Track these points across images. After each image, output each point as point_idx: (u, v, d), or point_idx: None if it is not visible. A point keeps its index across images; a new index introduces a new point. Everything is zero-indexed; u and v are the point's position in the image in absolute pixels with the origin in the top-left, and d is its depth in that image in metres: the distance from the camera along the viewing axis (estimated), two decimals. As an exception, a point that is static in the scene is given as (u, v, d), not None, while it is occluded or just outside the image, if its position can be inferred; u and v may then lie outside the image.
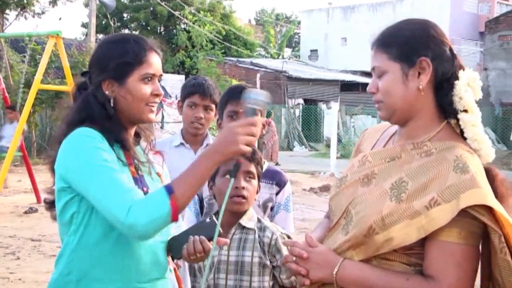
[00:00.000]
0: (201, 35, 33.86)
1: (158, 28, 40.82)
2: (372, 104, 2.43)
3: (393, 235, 2.04)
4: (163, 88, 3.01)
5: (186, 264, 3.25)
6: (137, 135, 2.54)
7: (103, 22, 37.71)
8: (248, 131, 2.19)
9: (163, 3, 36.12)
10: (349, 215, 2.20)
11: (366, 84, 2.12)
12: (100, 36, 35.91)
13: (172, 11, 35.75)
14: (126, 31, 40.32)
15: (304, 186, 16.82)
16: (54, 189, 2.44)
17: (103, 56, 2.42)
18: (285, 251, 2.67)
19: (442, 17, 41.82)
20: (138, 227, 2.13)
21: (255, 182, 2.92)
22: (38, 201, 12.55)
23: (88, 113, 2.36)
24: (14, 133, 12.03)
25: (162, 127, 20.14)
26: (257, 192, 2.96)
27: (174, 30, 39.52)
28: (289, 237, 2.94)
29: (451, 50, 2.19)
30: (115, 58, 2.37)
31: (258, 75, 33.17)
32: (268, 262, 2.83)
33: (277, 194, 3.28)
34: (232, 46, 39.21)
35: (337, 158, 20.78)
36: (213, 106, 3.84)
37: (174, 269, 2.69)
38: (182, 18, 36.21)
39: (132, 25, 41.07)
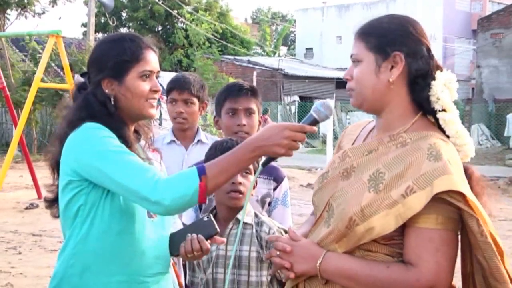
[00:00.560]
0: (198, 33, 34.02)
1: (156, 27, 40.67)
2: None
3: (373, 225, 2.06)
4: (160, 85, 3.25)
5: (181, 261, 3.36)
6: (136, 132, 2.56)
7: (102, 21, 37.66)
8: (296, 137, 2.17)
9: (160, 2, 36.17)
10: (330, 209, 2.22)
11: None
12: (99, 35, 36.01)
13: (170, 10, 35.86)
14: (125, 30, 40.23)
15: (301, 182, 16.98)
16: (54, 186, 2.48)
17: (101, 56, 2.44)
18: None
19: (435, 16, 41.99)
20: (164, 201, 2.13)
21: (251, 177, 2.92)
22: (39, 197, 12.66)
23: (89, 111, 2.38)
24: (16, 130, 12.18)
25: (160, 124, 20.26)
26: (253, 188, 2.97)
27: (172, 29, 39.53)
28: (286, 232, 2.82)
29: (428, 49, 2.22)
30: (113, 57, 2.39)
31: (255, 73, 33.27)
32: (264, 257, 2.84)
33: (274, 189, 3.29)
34: (229, 45, 39.29)
35: (333, 154, 20.67)
36: (194, 99, 3.88)
37: (173, 265, 2.72)
38: (179, 17, 36.31)
39: (131, 24, 40.91)
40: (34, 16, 25.46)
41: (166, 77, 6.27)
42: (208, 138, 3.98)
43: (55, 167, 2.45)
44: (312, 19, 52.67)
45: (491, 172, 16.95)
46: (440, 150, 2.07)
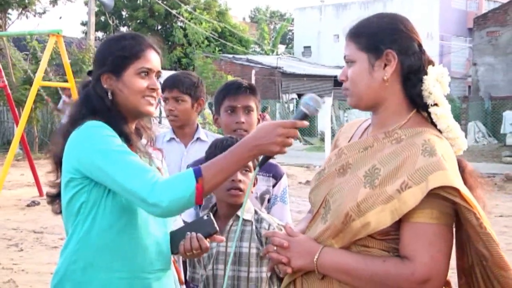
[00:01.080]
0: (197, 32, 34.08)
1: (156, 26, 40.75)
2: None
3: (369, 220, 2.06)
4: (160, 84, 3.33)
5: (181, 257, 3.32)
6: (138, 131, 2.56)
7: (102, 20, 37.72)
8: (290, 133, 2.20)
9: (160, 2, 36.19)
10: (327, 205, 2.23)
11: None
12: (100, 34, 36.09)
13: (170, 10, 35.94)
14: (125, 29, 40.27)
15: (300, 179, 16.96)
16: (57, 182, 2.49)
17: (103, 52, 2.47)
18: None
19: (431, 14, 41.93)
20: (162, 203, 2.15)
21: (251, 175, 2.91)
22: (40, 194, 12.72)
23: (89, 106, 2.41)
24: (17, 129, 12.19)
25: (160, 122, 20.35)
26: (254, 185, 2.97)
27: (171, 28, 39.44)
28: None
29: (419, 45, 2.23)
30: (113, 53, 2.42)
31: (253, 71, 33.39)
32: (262, 253, 2.81)
33: (273, 186, 3.28)
34: (228, 43, 39.30)
35: (330, 152, 20.57)
36: (185, 96, 3.86)
37: (173, 261, 2.70)
38: (179, 16, 36.42)
39: (130, 23, 41.01)
40: (35, 15, 25.59)
41: (165, 76, 6.26)
42: (208, 136, 3.97)
43: (58, 164, 2.45)
44: (310, 18, 52.67)
45: (488, 169, 16.98)
46: (435, 146, 2.08)
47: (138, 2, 40.38)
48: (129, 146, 2.36)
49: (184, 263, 3.36)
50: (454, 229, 2.14)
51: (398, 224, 2.08)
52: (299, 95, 35.03)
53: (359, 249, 2.15)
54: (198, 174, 2.17)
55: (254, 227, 2.89)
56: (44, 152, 20.62)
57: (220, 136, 3.89)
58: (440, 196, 2.03)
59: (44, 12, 25.77)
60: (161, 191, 2.15)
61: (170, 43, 39.01)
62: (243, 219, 2.87)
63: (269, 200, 3.27)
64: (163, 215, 2.26)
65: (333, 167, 2.30)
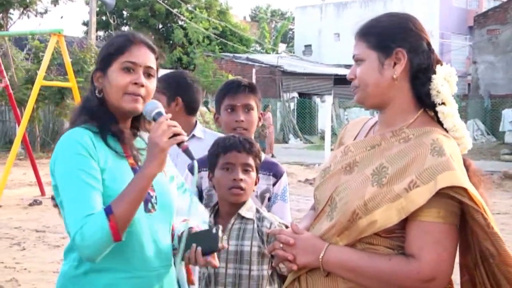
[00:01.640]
0: (197, 31, 34.08)
1: (157, 25, 40.73)
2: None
3: (376, 218, 2.07)
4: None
5: None
6: (137, 128, 2.54)
7: (103, 20, 37.71)
8: (161, 129, 2.25)
9: (161, 1, 36.20)
10: (333, 202, 2.23)
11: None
12: (101, 33, 36.07)
13: (170, 9, 35.93)
14: (126, 28, 40.25)
15: (300, 177, 17.05)
16: None
17: (99, 52, 2.53)
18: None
19: (432, 12, 41.79)
20: (82, 248, 2.19)
21: (253, 174, 2.92)
22: (42, 193, 12.88)
23: (85, 105, 2.43)
24: (19, 128, 12.18)
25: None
26: (255, 184, 2.98)
27: (172, 27, 39.48)
28: (286, 227, 2.86)
29: (428, 44, 2.24)
30: (103, 51, 2.44)
31: (254, 70, 33.32)
32: (266, 251, 2.78)
33: (274, 185, 3.27)
34: (228, 42, 39.28)
35: (331, 150, 19.89)
36: (161, 96, 3.63)
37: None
38: (179, 15, 36.41)
39: (131, 22, 41.01)
40: (36, 15, 25.58)
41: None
42: (206, 133, 3.89)
43: None
44: (311, 17, 52.56)
45: (486, 167, 17.00)
46: (443, 146, 2.09)
47: (139, 1, 40.35)
48: (123, 145, 2.40)
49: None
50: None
51: (403, 222, 2.09)
52: (300, 94, 35.06)
53: (364, 246, 2.16)
54: (109, 212, 2.17)
55: (255, 225, 2.89)
56: (46, 152, 20.80)
57: (218, 134, 3.85)
58: (447, 195, 2.04)
59: (45, 12, 25.79)
60: (83, 236, 2.16)
61: (170, 42, 39.02)
62: (245, 218, 2.90)
63: (269, 199, 3.27)
64: (86, 259, 2.25)
65: (339, 164, 2.31)
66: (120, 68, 2.37)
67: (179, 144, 2.30)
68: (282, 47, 53.21)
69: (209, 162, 2.97)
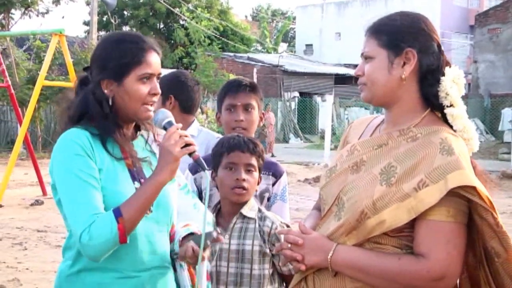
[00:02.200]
0: (198, 31, 34.05)
1: (158, 25, 40.71)
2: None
3: (384, 218, 2.07)
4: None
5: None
6: (138, 127, 2.55)
7: (104, 20, 37.59)
8: (174, 139, 2.28)
9: (161, 0, 36.20)
10: (340, 202, 2.22)
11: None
12: (102, 33, 36.03)
13: (171, 8, 35.91)
14: (126, 28, 40.10)
15: (299, 177, 17.01)
16: None
17: (103, 55, 2.41)
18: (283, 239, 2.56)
19: (433, 11, 41.68)
20: (88, 248, 2.20)
21: (256, 174, 2.93)
22: (44, 193, 12.86)
23: (86, 110, 2.38)
24: (21, 128, 12.20)
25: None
26: (258, 184, 2.99)
27: (173, 27, 39.30)
28: (288, 226, 2.95)
29: (439, 46, 2.24)
30: (114, 58, 2.36)
31: (255, 70, 33.36)
32: (268, 251, 2.85)
33: (273, 184, 3.26)
34: (230, 42, 39.27)
35: (331, 149, 20.72)
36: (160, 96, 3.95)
37: (189, 267, 2.65)
38: (180, 15, 36.42)
39: (132, 22, 40.89)
40: (37, 15, 25.61)
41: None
42: (201, 131, 3.93)
43: None
44: (312, 16, 52.51)
45: (484, 166, 16.11)
46: (452, 145, 2.09)
47: (140, 0, 40.33)
48: (121, 147, 2.40)
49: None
50: None
51: (412, 222, 2.09)
52: (301, 93, 35.06)
53: (372, 246, 2.16)
54: (118, 215, 2.21)
55: (257, 225, 2.90)
56: (47, 152, 20.78)
57: (213, 133, 3.94)
58: (456, 194, 2.04)
59: (47, 12, 25.84)
60: (88, 240, 2.18)
61: (171, 42, 39.01)
62: (247, 217, 2.91)
63: (268, 199, 3.26)
64: (90, 258, 2.27)
65: (345, 163, 2.30)
66: (138, 79, 2.37)
67: (190, 154, 2.33)
68: (283, 46, 53.16)
69: (213, 161, 2.97)
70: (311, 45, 52.62)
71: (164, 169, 2.28)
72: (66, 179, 2.26)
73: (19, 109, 13.86)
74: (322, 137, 25.96)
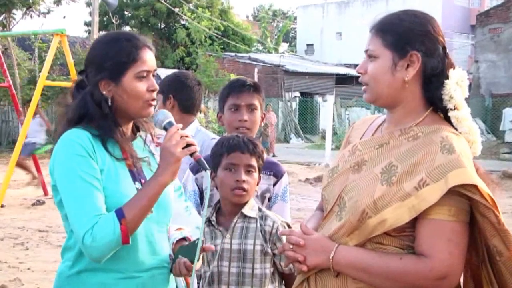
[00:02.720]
0: (199, 31, 34.08)
1: (159, 24, 40.60)
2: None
3: (386, 217, 2.06)
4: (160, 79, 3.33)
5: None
6: (137, 128, 2.56)
7: (105, 20, 37.70)
8: (175, 139, 2.30)
9: (162, 0, 36.24)
10: (342, 202, 2.22)
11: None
12: (103, 33, 35.90)
13: (172, 8, 35.93)
14: (127, 28, 40.11)
15: (300, 177, 17.03)
16: None
17: (98, 56, 2.41)
18: (284, 239, 2.57)
19: (434, 11, 41.42)
20: (91, 249, 2.20)
21: (256, 175, 2.93)
22: (45, 193, 12.88)
23: (85, 111, 2.38)
24: (22, 128, 12.17)
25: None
26: (257, 184, 2.99)
27: (174, 27, 39.34)
28: (289, 225, 2.97)
29: (444, 48, 2.22)
30: (110, 58, 2.37)
31: (256, 69, 33.40)
32: (269, 250, 2.87)
33: (274, 184, 3.26)
34: (231, 42, 39.24)
35: (332, 149, 20.85)
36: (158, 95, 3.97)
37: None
38: (181, 15, 36.42)
39: (133, 22, 40.96)
40: (39, 15, 25.60)
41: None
42: (199, 132, 3.93)
43: None
44: (313, 16, 52.52)
45: (485, 166, 16.18)
46: (453, 143, 2.07)
47: (140, 1, 40.33)
48: (121, 148, 2.41)
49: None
50: None
51: (414, 221, 2.08)
52: (302, 93, 35.07)
53: (373, 246, 2.15)
54: (121, 216, 2.22)
55: (258, 224, 2.90)
56: (48, 151, 20.70)
57: (210, 134, 3.96)
58: (457, 193, 2.03)
59: (48, 12, 25.81)
60: (94, 237, 2.19)
61: (172, 42, 39.02)
62: (248, 216, 2.92)
63: (269, 199, 3.27)
64: (92, 259, 2.27)
65: (347, 163, 2.30)
66: (136, 77, 2.39)
67: (191, 154, 2.34)
68: (284, 46, 53.13)
69: (213, 161, 2.98)
70: (312, 45, 52.63)
71: (166, 170, 2.29)
72: (68, 180, 2.27)
73: (21, 109, 13.84)
74: (323, 137, 26.09)
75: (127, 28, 40.07)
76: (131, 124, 2.51)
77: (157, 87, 2.45)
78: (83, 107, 2.39)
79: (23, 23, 68.53)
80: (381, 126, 2.36)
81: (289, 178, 3.36)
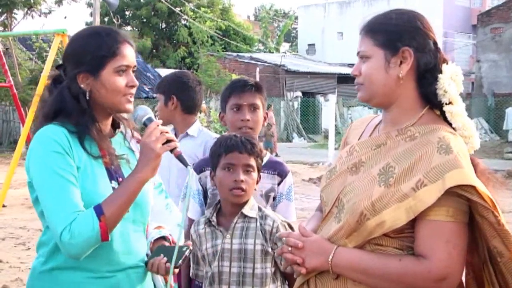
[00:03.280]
0: (201, 31, 34.13)
1: (160, 24, 40.74)
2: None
3: (384, 219, 2.06)
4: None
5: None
6: (117, 125, 2.54)
7: (106, 20, 37.79)
8: (155, 135, 2.28)
9: (163, 0, 36.27)
10: (340, 204, 2.21)
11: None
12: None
13: (173, 8, 35.97)
14: (128, 28, 40.29)
15: (303, 176, 16.98)
16: None
17: (77, 50, 2.38)
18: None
19: (435, 11, 41.75)
20: (69, 246, 2.17)
21: (254, 174, 2.93)
22: (47, 193, 12.91)
23: (62, 106, 2.34)
24: (23, 128, 12.05)
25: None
26: (257, 183, 2.99)
27: (175, 27, 39.53)
28: (289, 224, 2.99)
29: (435, 43, 2.22)
30: (89, 52, 2.34)
31: (258, 69, 33.38)
32: (270, 249, 2.87)
33: (279, 184, 3.27)
34: (232, 42, 39.29)
35: (335, 149, 20.46)
36: (159, 95, 3.95)
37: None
38: (182, 14, 36.45)
39: (134, 22, 41.09)
40: (40, 15, 25.67)
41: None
42: (200, 132, 3.95)
43: None
44: (314, 16, 52.57)
45: (490, 166, 15.93)
46: (450, 143, 2.07)
47: (141, 0, 40.37)
48: (98, 145, 2.38)
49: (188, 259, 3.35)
50: None
51: (413, 222, 2.07)
52: (304, 93, 35.09)
53: (373, 248, 2.15)
54: (99, 213, 2.20)
55: (258, 223, 2.91)
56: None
57: (213, 134, 3.98)
58: (455, 194, 2.03)
59: (49, 12, 25.87)
60: (72, 233, 2.16)
61: (174, 41, 39.04)
62: (248, 216, 2.92)
63: (274, 198, 3.28)
64: (71, 256, 2.24)
65: (344, 165, 2.30)
66: (115, 72, 2.36)
67: (171, 150, 2.33)
68: (285, 46, 53.20)
69: (211, 161, 2.99)
70: (314, 44, 52.66)
71: (146, 166, 2.28)
72: (44, 176, 2.24)
73: (22, 109, 13.82)
74: (326, 137, 26.22)
75: (128, 28, 40.10)
76: (109, 120, 2.48)
77: (137, 83, 2.43)
78: (60, 102, 2.36)
79: (24, 23, 68.78)
80: (378, 126, 2.36)
81: (293, 177, 3.35)
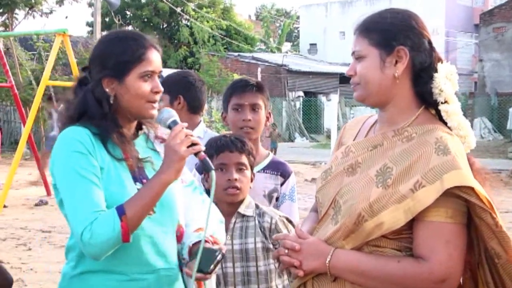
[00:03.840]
0: (203, 30, 34.19)
1: (161, 24, 40.75)
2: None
3: (382, 220, 2.05)
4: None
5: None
6: (140, 126, 2.52)
7: (106, 20, 37.85)
8: (180, 138, 2.26)
9: (164, 0, 36.33)
10: (337, 205, 2.20)
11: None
12: (105, 33, 36.06)
13: (174, 8, 36.00)
14: (129, 28, 40.44)
15: (306, 176, 17.10)
16: None
17: (103, 53, 2.39)
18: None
19: (437, 10, 41.97)
20: (89, 246, 2.17)
21: (248, 172, 2.94)
22: (48, 193, 12.76)
23: (85, 109, 2.35)
24: (24, 128, 12.18)
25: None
26: (251, 181, 3.00)
27: (177, 27, 39.61)
28: (288, 219, 3.01)
29: (430, 42, 2.22)
30: (115, 56, 2.34)
31: (259, 69, 33.52)
32: (271, 246, 2.88)
33: (282, 184, 3.28)
34: (233, 41, 39.35)
35: (334, 150, 20.72)
36: (164, 95, 3.84)
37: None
38: (183, 14, 36.48)
39: (135, 22, 41.14)
40: (41, 15, 25.69)
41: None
42: (206, 133, 3.91)
43: None
44: (316, 15, 52.74)
45: (493, 165, 16.86)
46: (448, 144, 2.07)
47: (143, 0, 40.42)
48: (122, 148, 2.37)
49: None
50: None
51: (411, 223, 2.07)
52: (305, 93, 35.19)
53: (371, 249, 2.14)
54: (121, 213, 2.18)
55: (256, 221, 2.92)
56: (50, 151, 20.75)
57: (217, 134, 3.88)
58: (454, 195, 2.02)
59: (50, 12, 25.87)
60: (93, 233, 2.16)
61: (175, 41, 39.08)
62: (245, 215, 2.92)
63: (277, 199, 3.28)
64: (91, 256, 2.24)
65: (340, 166, 2.28)
66: (140, 77, 2.36)
67: (196, 154, 2.30)
68: (287, 46, 53.25)
69: None
70: (315, 44, 52.80)
71: (169, 168, 2.26)
72: (66, 177, 2.24)
73: (23, 109, 13.86)
74: (328, 136, 26.20)
75: (129, 28, 40.13)
76: (134, 124, 2.47)
77: (162, 89, 2.43)
78: (83, 104, 2.36)
79: (25, 23, 69.01)
80: (374, 127, 2.35)
81: (295, 178, 3.31)
